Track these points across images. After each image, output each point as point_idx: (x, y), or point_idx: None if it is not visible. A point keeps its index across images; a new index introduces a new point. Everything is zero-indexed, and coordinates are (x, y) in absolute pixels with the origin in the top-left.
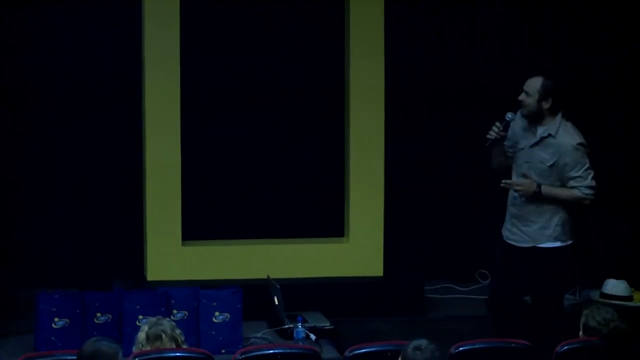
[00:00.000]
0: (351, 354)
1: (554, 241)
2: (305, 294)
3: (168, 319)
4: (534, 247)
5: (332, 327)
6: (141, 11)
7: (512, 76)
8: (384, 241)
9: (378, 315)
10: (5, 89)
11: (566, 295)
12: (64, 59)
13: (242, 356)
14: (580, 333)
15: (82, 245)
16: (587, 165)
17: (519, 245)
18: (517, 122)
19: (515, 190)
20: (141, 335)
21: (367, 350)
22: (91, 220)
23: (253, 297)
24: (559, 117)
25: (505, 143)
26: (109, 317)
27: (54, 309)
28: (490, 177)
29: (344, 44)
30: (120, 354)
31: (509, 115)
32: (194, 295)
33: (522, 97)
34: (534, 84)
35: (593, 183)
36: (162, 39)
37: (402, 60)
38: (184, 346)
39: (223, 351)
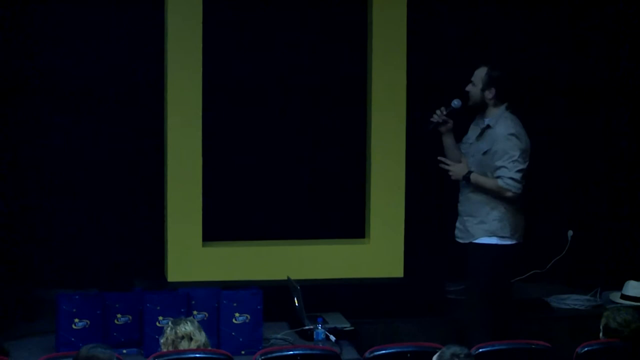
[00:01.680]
0: (371, 355)
1: (490, 236)
2: (325, 295)
3: (192, 319)
4: (471, 243)
5: (352, 328)
6: (164, 9)
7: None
8: (405, 242)
9: (398, 317)
10: (26, 85)
11: (587, 297)
12: (87, 57)
13: (262, 357)
14: (601, 334)
15: (103, 246)
16: (516, 157)
17: (463, 242)
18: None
19: (447, 171)
20: (170, 334)
21: (388, 351)
22: (112, 221)
23: (273, 298)
24: (502, 108)
25: (462, 144)
26: (129, 318)
27: (75, 310)
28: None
29: (366, 46)
30: (115, 359)
31: (455, 101)
32: (214, 296)
33: (468, 87)
34: (479, 73)
35: (517, 176)
36: (184, 36)
37: (423, 61)
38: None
39: (243, 352)
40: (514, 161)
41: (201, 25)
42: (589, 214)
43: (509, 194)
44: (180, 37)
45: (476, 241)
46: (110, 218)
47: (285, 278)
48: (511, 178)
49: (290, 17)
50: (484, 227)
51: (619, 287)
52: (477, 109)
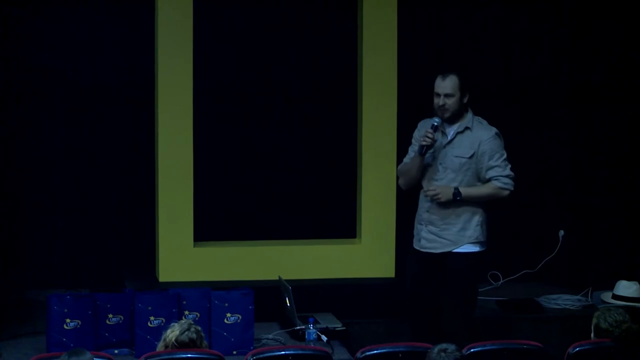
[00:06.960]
0: (363, 355)
1: (473, 243)
2: (317, 295)
3: (194, 324)
4: (450, 253)
5: (343, 328)
6: (154, 12)
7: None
8: (396, 242)
9: (390, 317)
10: (16, 88)
11: (578, 297)
12: (75, 59)
13: (254, 357)
14: (592, 335)
15: (94, 247)
16: (505, 156)
17: (437, 252)
18: (422, 131)
19: (434, 198)
20: (170, 336)
21: (379, 351)
22: (103, 222)
23: (265, 299)
24: (470, 111)
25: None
26: (120, 319)
27: (66, 310)
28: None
29: (357, 43)
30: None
31: (436, 120)
32: (205, 296)
33: (441, 101)
34: (452, 83)
35: (512, 173)
36: (174, 38)
37: (414, 59)
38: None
39: (235, 352)
40: (504, 159)
41: (191, 24)
42: (580, 214)
43: (506, 192)
44: (171, 35)
45: (458, 250)
46: (102, 218)
47: (277, 278)
48: (507, 176)
49: (281, 17)
50: (467, 234)
51: (611, 287)
52: (455, 118)
